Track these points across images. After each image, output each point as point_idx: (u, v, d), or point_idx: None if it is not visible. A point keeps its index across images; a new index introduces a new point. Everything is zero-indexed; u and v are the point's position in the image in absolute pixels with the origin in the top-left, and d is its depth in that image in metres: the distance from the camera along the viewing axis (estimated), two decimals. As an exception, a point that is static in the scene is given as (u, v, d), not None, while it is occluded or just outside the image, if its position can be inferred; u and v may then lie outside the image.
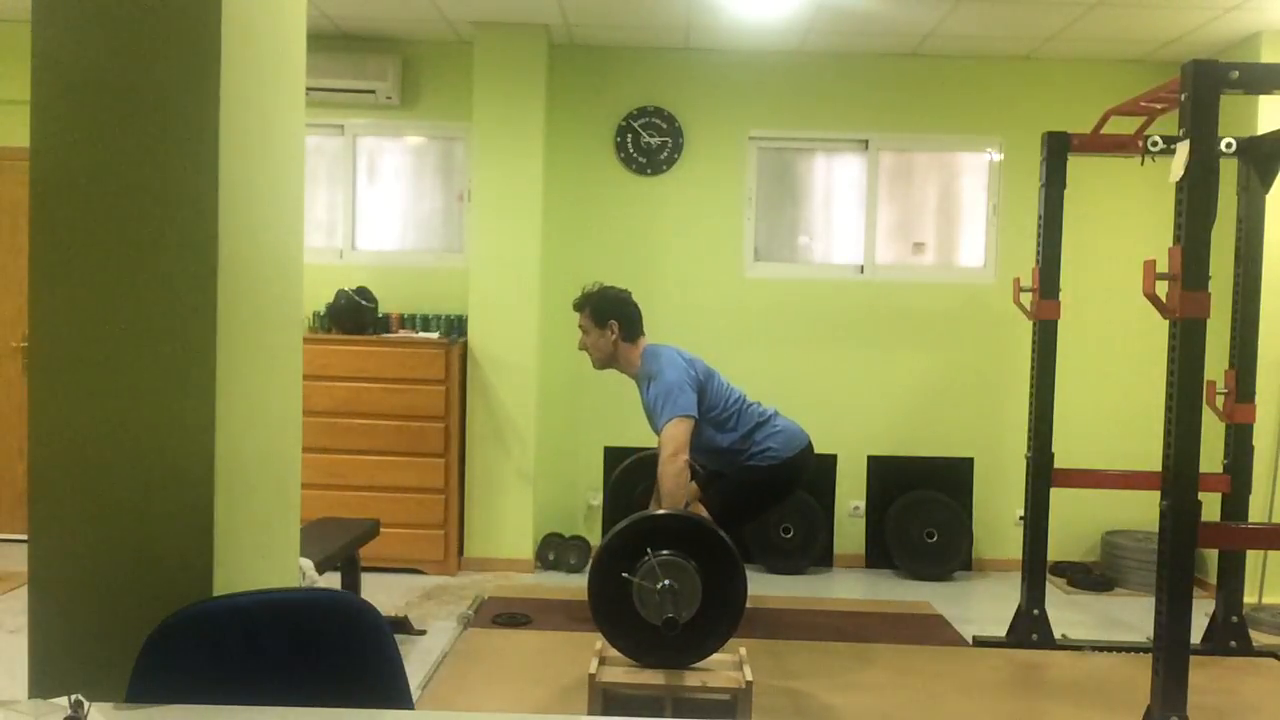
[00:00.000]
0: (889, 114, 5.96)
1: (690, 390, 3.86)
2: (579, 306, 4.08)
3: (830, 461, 5.95)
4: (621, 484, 4.53)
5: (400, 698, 1.80)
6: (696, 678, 3.20)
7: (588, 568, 5.56)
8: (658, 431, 3.83)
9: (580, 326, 4.10)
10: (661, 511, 3.54)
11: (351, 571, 4.46)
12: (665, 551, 3.21)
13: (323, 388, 5.35)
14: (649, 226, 5.99)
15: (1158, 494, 3.39)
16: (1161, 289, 3.32)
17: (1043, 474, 4.62)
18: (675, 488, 3.70)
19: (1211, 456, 4.14)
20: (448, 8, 5.33)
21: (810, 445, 4.14)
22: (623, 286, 4.15)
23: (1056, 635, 4.63)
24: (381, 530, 4.75)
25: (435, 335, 5.66)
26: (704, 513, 3.85)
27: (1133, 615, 5.11)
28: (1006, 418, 5.91)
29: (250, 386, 2.08)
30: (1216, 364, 4.10)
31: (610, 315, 4.01)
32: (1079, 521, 5.89)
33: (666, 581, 3.16)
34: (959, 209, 6.11)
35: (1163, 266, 3.31)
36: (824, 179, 6.15)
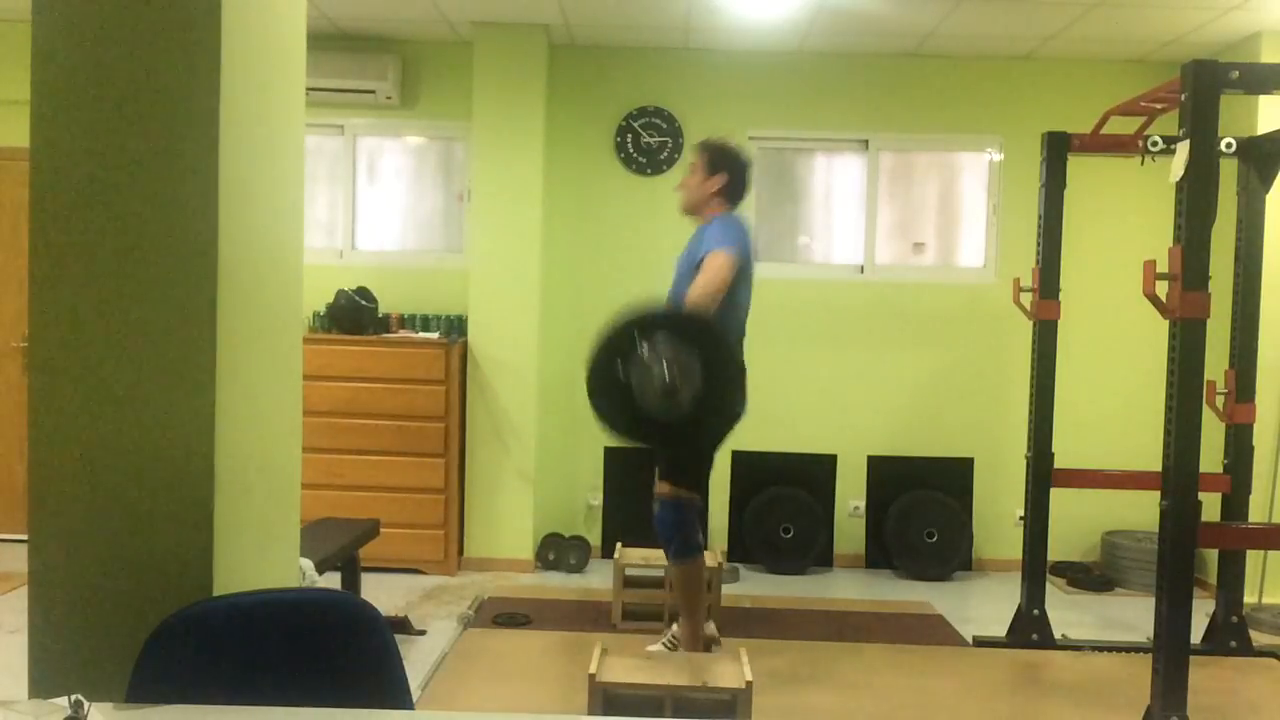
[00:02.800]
0: (889, 114, 5.96)
1: (743, 253, 3.84)
2: (702, 147, 4.07)
3: (830, 461, 5.95)
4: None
5: (400, 698, 1.80)
6: (697, 677, 3.20)
7: (590, 568, 5.63)
8: (689, 270, 3.81)
9: (690, 164, 4.08)
10: (650, 308, 3.44)
11: (351, 571, 4.46)
12: (661, 341, 3.17)
13: (323, 388, 5.35)
14: (649, 226, 5.98)
15: (1158, 494, 3.39)
16: (1161, 289, 3.32)
17: (1043, 474, 4.61)
18: (701, 305, 3.64)
19: (1211, 456, 4.14)
20: (448, 8, 5.33)
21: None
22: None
23: (1056, 635, 4.63)
24: (381, 530, 4.75)
25: (435, 335, 5.66)
26: (664, 488, 3.85)
27: (1133, 615, 5.11)
28: (1006, 418, 5.92)
29: (250, 386, 2.08)
30: (1216, 364, 4.10)
31: (723, 167, 3.98)
32: (1079, 521, 5.89)
33: (664, 362, 3.13)
34: (959, 209, 6.11)
35: (1163, 266, 3.31)
36: (824, 179, 6.15)
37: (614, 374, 3.21)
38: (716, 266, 3.71)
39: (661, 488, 3.92)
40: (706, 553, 4.81)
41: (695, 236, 4.03)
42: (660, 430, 3.25)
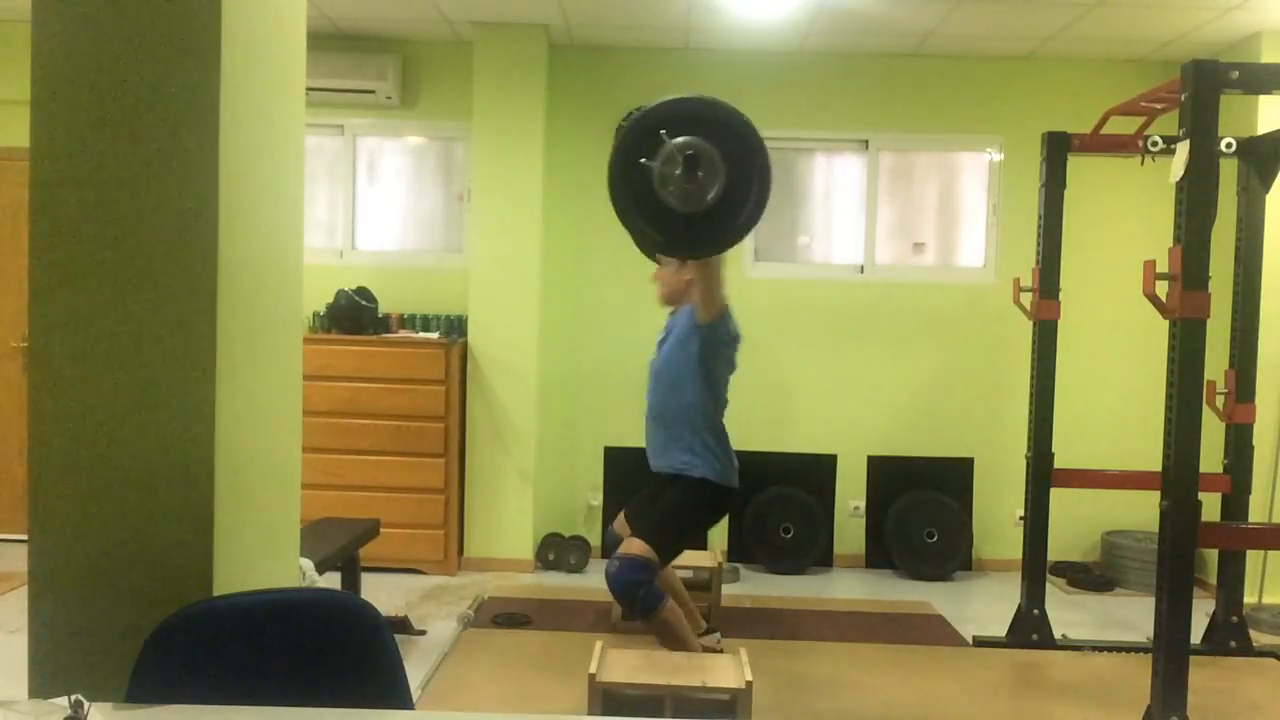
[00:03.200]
0: (889, 114, 5.96)
1: (732, 323, 3.79)
2: (655, 252, 3.98)
3: (830, 461, 5.95)
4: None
5: (400, 698, 1.80)
6: (696, 677, 3.20)
7: (590, 569, 5.63)
8: (679, 345, 3.78)
9: (658, 259, 4.02)
10: (672, 97, 3.31)
11: (351, 571, 4.46)
12: (682, 137, 3.06)
13: (323, 388, 5.35)
14: (649, 226, 5.97)
15: (1158, 494, 3.39)
16: (1161, 289, 3.32)
17: (1043, 474, 4.61)
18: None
19: (1211, 456, 4.14)
20: (448, 8, 5.33)
21: (735, 489, 3.98)
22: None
23: (1056, 635, 4.64)
24: (381, 530, 4.75)
25: (435, 335, 5.66)
26: (638, 546, 3.71)
27: (1133, 615, 5.11)
28: (1006, 418, 5.92)
29: (250, 386, 2.08)
30: (1216, 364, 4.10)
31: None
32: (1079, 521, 5.89)
33: (685, 156, 3.02)
34: (959, 209, 6.11)
35: (1163, 266, 3.31)
36: (824, 179, 6.15)
37: (637, 159, 3.08)
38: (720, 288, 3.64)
39: (633, 546, 3.73)
40: (706, 552, 4.83)
41: (674, 318, 3.98)
42: (679, 222, 3.10)
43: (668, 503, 3.87)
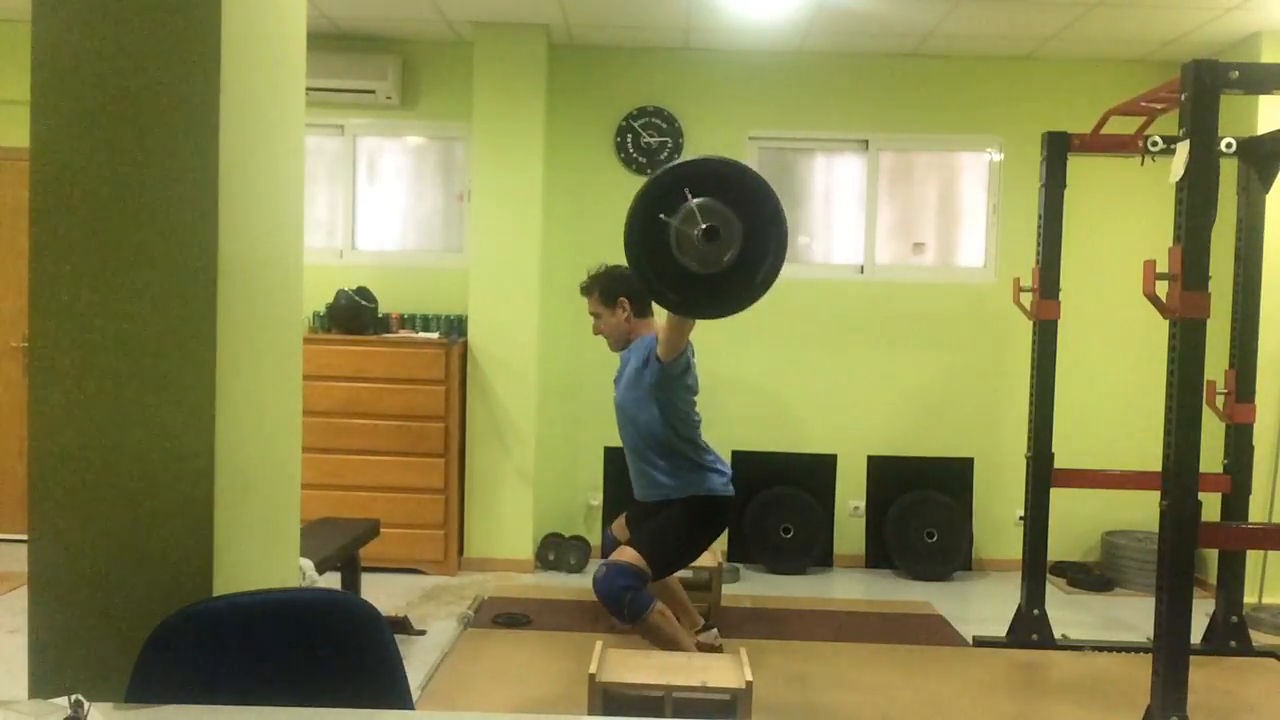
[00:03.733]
0: (889, 114, 5.96)
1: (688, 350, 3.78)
2: (586, 290, 4.03)
3: (830, 461, 5.95)
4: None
5: (400, 698, 1.80)
6: (696, 677, 3.20)
7: (590, 569, 5.62)
8: (639, 373, 3.77)
9: (591, 312, 4.03)
10: (699, 157, 3.28)
11: (351, 571, 4.46)
12: (703, 197, 3.03)
13: (323, 388, 5.35)
14: (649, 226, 5.97)
15: (1158, 494, 3.39)
16: (1161, 289, 3.32)
17: (1043, 474, 4.61)
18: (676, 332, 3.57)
19: (1211, 456, 4.14)
20: (448, 8, 5.33)
21: (726, 498, 3.95)
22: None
23: (1056, 635, 4.64)
24: (381, 530, 4.75)
25: (435, 335, 5.66)
26: (630, 554, 3.70)
27: (1133, 615, 5.11)
28: (1006, 418, 5.92)
29: (250, 386, 2.08)
30: (1216, 364, 4.10)
31: (619, 293, 3.93)
32: (1079, 521, 5.89)
33: (704, 226, 2.99)
34: (959, 209, 6.11)
35: (1163, 266, 3.31)
36: (824, 179, 6.15)
37: (658, 214, 3.06)
38: (664, 324, 3.63)
39: (625, 554, 3.72)
40: (706, 552, 4.82)
41: (627, 357, 3.96)
42: (694, 281, 3.08)
43: (663, 521, 3.85)
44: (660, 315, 3.69)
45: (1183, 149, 3.28)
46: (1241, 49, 5.38)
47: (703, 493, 3.83)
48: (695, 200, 3.02)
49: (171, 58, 1.87)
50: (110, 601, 1.89)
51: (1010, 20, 5.23)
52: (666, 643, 3.74)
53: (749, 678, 3.17)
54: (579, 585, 5.46)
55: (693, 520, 3.85)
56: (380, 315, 5.74)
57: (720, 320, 5.94)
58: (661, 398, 3.79)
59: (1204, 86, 3.25)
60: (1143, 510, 5.71)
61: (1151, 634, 3.43)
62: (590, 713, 3.22)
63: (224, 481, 1.94)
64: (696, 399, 3.93)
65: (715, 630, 4.33)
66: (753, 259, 3.06)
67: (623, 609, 3.68)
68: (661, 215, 3.04)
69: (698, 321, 3.92)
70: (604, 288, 3.97)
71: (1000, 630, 4.70)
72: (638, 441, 3.90)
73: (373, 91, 5.74)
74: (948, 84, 5.94)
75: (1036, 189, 4.70)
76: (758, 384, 5.97)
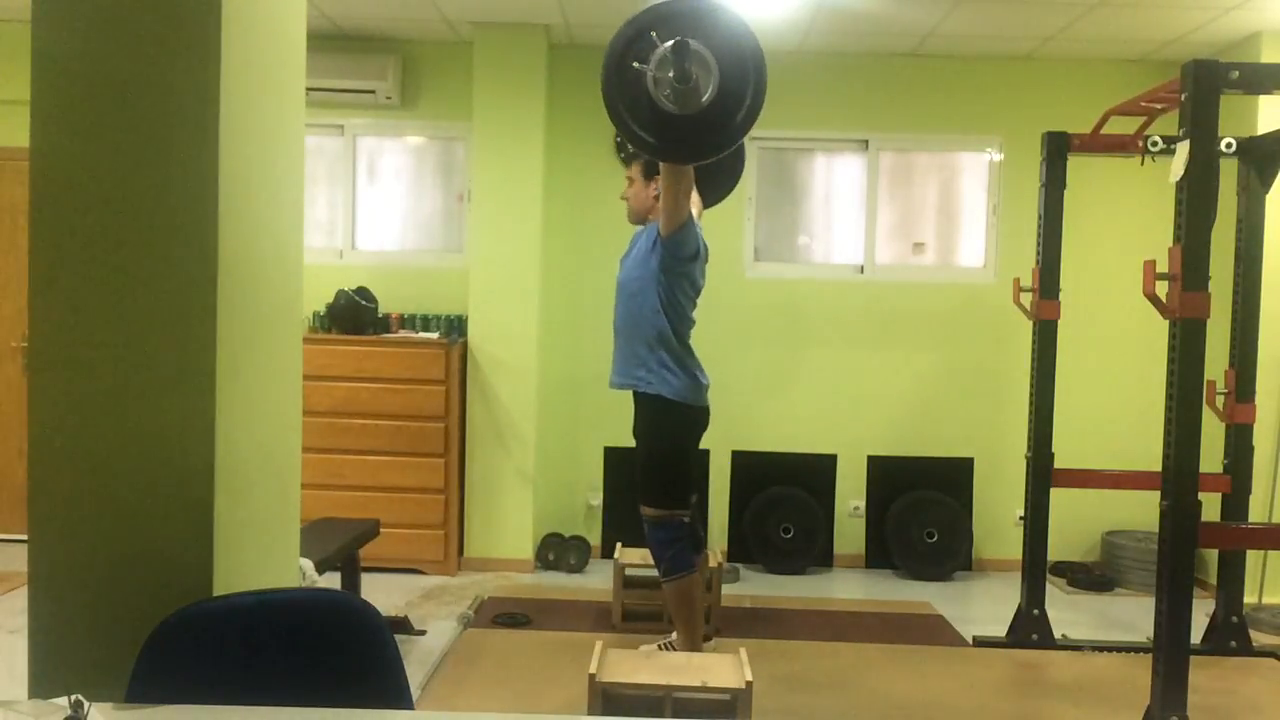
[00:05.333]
0: (889, 114, 5.96)
1: (699, 239, 3.78)
2: (632, 158, 4.04)
3: (830, 461, 5.95)
4: None
5: (400, 698, 1.80)
6: (696, 677, 3.20)
7: (590, 568, 5.63)
8: (646, 257, 3.79)
9: (628, 177, 4.05)
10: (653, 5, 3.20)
11: (351, 571, 4.46)
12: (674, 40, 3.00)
13: (323, 388, 5.35)
14: (649, 226, 5.98)
15: (1158, 494, 3.39)
16: (1161, 289, 3.32)
17: (1043, 474, 4.61)
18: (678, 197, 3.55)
19: (1211, 456, 4.14)
20: (448, 8, 5.33)
21: (704, 409, 3.94)
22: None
23: (1056, 635, 4.63)
24: (381, 530, 4.75)
25: (435, 335, 5.66)
26: (645, 511, 3.83)
27: (1133, 615, 5.11)
28: (1006, 418, 5.92)
29: (250, 386, 2.08)
30: (1216, 364, 4.10)
31: (658, 170, 3.87)
32: (1079, 521, 5.89)
33: (682, 65, 2.95)
34: (959, 209, 6.11)
35: (1163, 266, 3.31)
36: (824, 179, 6.15)
37: (629, 64, 3.03)
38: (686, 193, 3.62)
39: (644, 510, 3.88)
40: (707, 552, 4.82)
41: (638, 234, 3.99)
42: (674, 124, 3.05)
43: (639, 450, 3.92)
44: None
45: (1183, 149, 3.28)
46: (1241, 49, 5.38)
47: (673, 396, 3.81)
48: (667, 44, 2.96)
49: (171, 58, 1.87)
50: (110, 601, 1.89)
51: (1010, 20, 5.23)
52: (683, 613, 3.86)
53: (749, 678, 3.17)
54: (579, 585, 5.46)
55: (666, 425, 3.85)
56: (380, 315, 5.74)
57: (719, 320, 5.93)
58: (663, 286, 3.79)
59: (1204, 86, 3.25)
60: (1143, 510, 5.71)
61: (1151, 634, 3.43)
62: (590, 713, 3.22)
63: (224, 481, 1.94)
64: (696, 301, 3.93)
65: (713, 642, 4.33)
66: (732, 97, 3.02)
67: (660, 563, 3.87)
68: (635, 64, 3.00)
69: (699, 306, 3.94)
70: (649, 161, 3.95)
71: (1000, 630, 4.70)
72: (629, 324, 3.90)
73: (373, 91, 5.74)
74: (948, 84, 5.94)
75: (1036, 189, 4.70)
76: (757, 384, 5.97)
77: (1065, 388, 4.97)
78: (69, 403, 1.88)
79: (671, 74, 2.96)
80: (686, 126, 3.07)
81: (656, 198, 3.89)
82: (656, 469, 3.90)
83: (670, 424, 3.87)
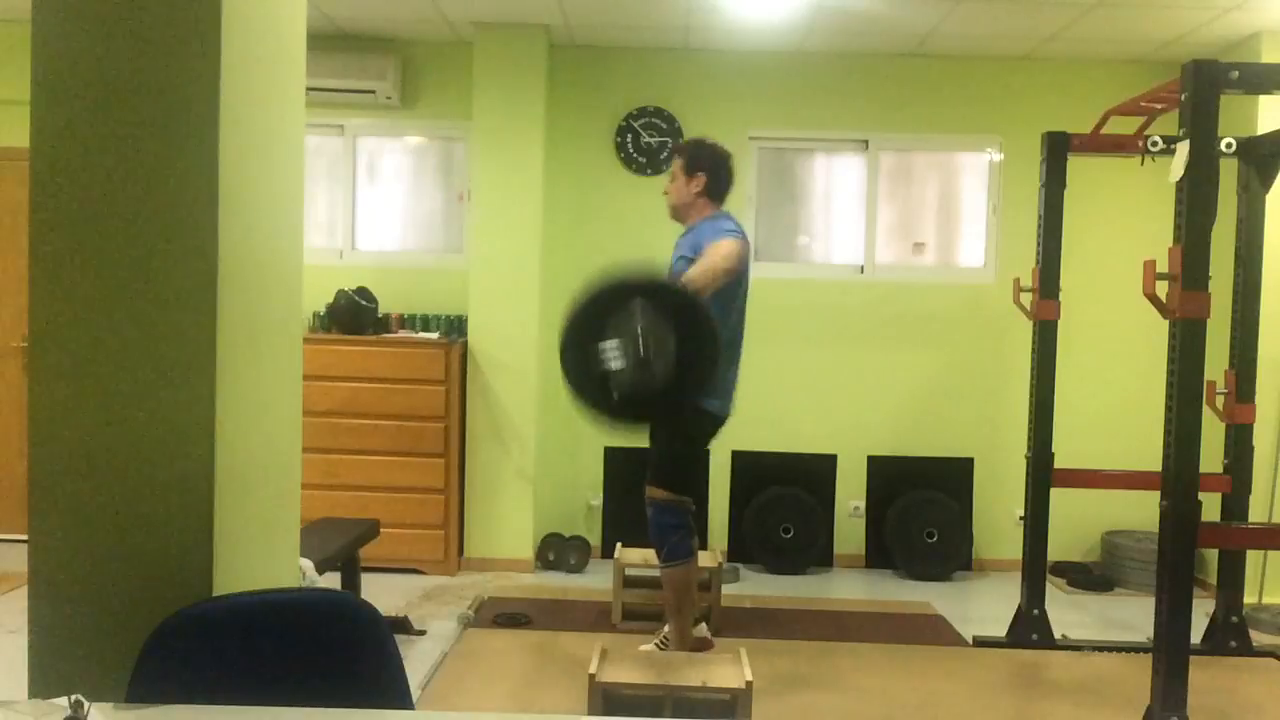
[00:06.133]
0: (889, 114, 5.96)
1: (746, 248, 3.79)
2: (676, 151, 4.11)
3: (830, 461, 5.95)
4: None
5: (400, 698, 1.80)
6: (697, 677, 3.20)
7: (590, 568, 5.63)
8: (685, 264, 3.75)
9: (670, 172, 4.07)
10: (617, 277, 3.26)
11: (351, 571, 4.46)
12: (638, 310, 3.08)
13: (323, 388, 5.35)
14: (649, 226, 5.97)
15: (1158, 494, 3.39)
16: (1161, 289, 3.32)
17: (1043, 474, 4.61)
18: (706, 284, 3.52)
19: (1211, 456, 4.14)
20: (448, 8, 5.33)
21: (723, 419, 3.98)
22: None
23: (1056, 635, 4.63)
24: (381, 530, 4.75)
25: (435, 335, 5.66)
26: (657, 492, 3.90)
27: (1133, 615, 5.11)
28: (1006, 418, 5.92)
29: (250, 386, 2.08)
30: (1216, 364, 4.10)
31: (701, 167, 3.97)
32: (1079, 521, 5.89)
33: (640, 331, 3.03)
34: (959, 209, 6.11)
35: (1163, 266, 3.31)
36: (824, 179, 6.15)
37: (586, 339, 3.09)
38: (723, 253, 3.65)
39: (653, 492, 3.93)
40: (706, 552, 4.82)
41: (686, 238, 4.00)
42: (629, 405, 3.14)
43: (660, 435, 3.94)
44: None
45: (1183, 149, 3.28)
46: (1241, 49, 5.38)
47: (701, 404, 3.82)
48: (626, 314, 3.06)
49: (171, 58, 1.87)
50: (110, 601, 1.89)
51: (1010, 20, 5.23)
52: (677, 601, 3.92)
53: (749, 678, 3.17)
54: (579, 585, 5.46)
55: (691, 425, 3.90)
56: (380, 315, 5.73)
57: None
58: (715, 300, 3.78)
59: (1204, 86, 3.25)
60: (1143, 510, 5.70)
61: (1151, 634, 3.43)
62: (590, 713, 3.22)
63: (224, 481, 1.94)
64: (740, 325, 3.94)
65: (704, 624, 4.35)
66: (683, 383, 3.12)
67: (661, 548, 3.91)
68: (593, 328, 3.09)
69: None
70: (691, 154, 4.02)
71: (1000, 630, 4.70)
72: None
73: (373, 91, 5.74)
74: (948, 84, 5.94)
75: (1036, 189, 4.70)
76: (758, 384, 5.96)
77: (1065, 388, 4.97)
78: (69, 402, 1.88)
79: (626, 348, 3.06)
80: (636, 398, 3.13)
81: (698, 193, 3.96)
82: (677, 457, 3.97)
83: (702, 424, 3.94)
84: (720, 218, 3.97)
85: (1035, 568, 4.63)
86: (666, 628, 4.18)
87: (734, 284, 3.82)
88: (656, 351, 3.03)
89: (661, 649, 4.07)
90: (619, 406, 3.13)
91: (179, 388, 1.89)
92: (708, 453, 4.33)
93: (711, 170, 3.99)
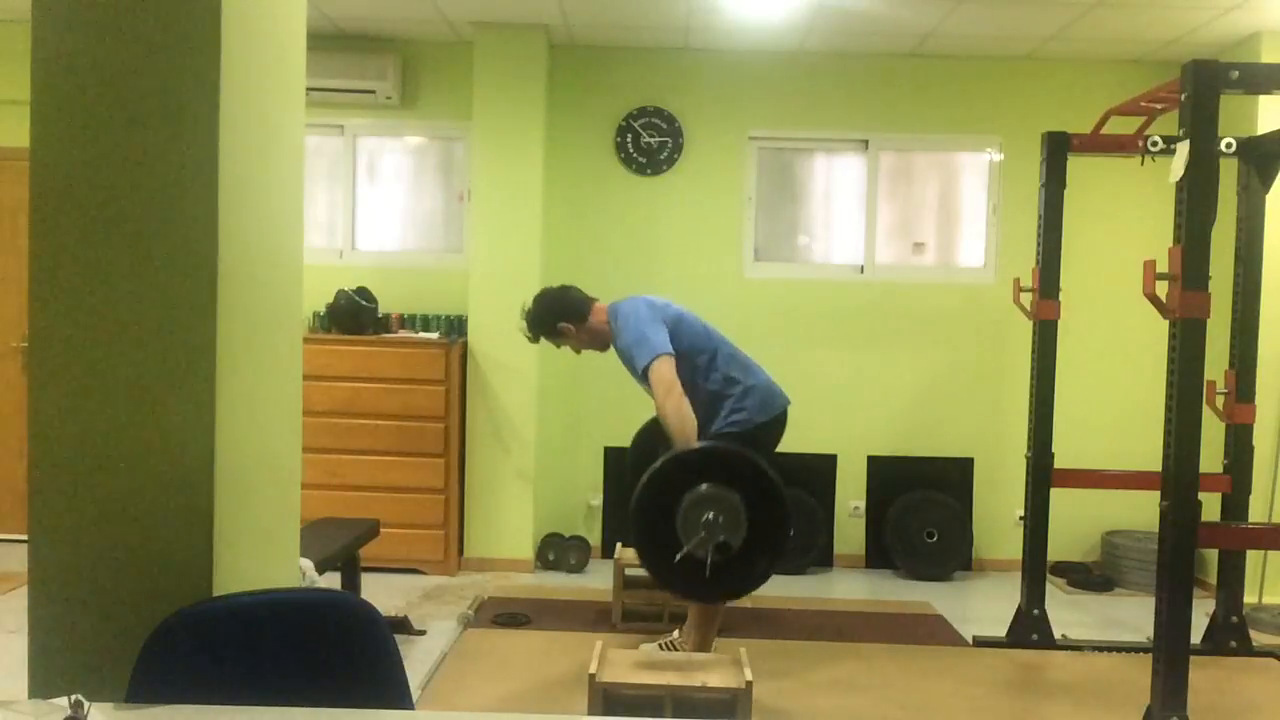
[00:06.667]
0: (889, 114, 5.96)
1: (660, 327, 3.77)
2: (535, 338, 4.09)
3: (830, 461, 5.95)
4: (643, 442, 4.38)
5: (400, 698, 1.80)
6: (696, 677, 3.20)
7: (589, 568, 5.63)
8: (643, 382, 3.78)
9: (557, 342, 4.08)
10: (694, 446, 3.46)
11: (351, 571, 4.46)
12: (704, 485, 3.23)
13: (323, 388, 5.35)
14: (649, 227, 5.99)
15: (1158, 494, 3.39)
16: (1161, 289, 3.32)
17: (1043, 474, 4.61)
18: (682, 423, 3.58)
19: (1211, 456, 4.14)
20: (448, 8, 5.33)
21: (785, 411, 4.00)
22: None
23: (1056, 635, 4.63)
24: (381, 530, 4.75)
25: (435, 335, 5.66)
26: None
27: (1133, 615, 5.11)
28: (1006, 418, 5.92)
29: (250, 386, 2.08)
30: (1216, 364, 4.10)
31: (555, 320, 3.98)
32: (1079, 521, 5.89)
33: (710, 514, 3.19)
34: (959, 209, 6.11)
35: (1163, 266, 3.31)
36: (824, 179, 6.15)
37: (661, 533, 3.28)
38: (656, 379, 3.67)
39: None
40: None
41: (618, 350, 3.99)
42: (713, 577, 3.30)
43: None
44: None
45: (1183, 149, 3.28)
46: (1241, 49, 5.38)
47: (732, 429, 3.88)
48: (696, 493, 3.26)
49: (171, 58, 1.87)
50: (110, 601, 1.89)
51: (1010, 20, 5.23)
52: (702, 618, 3.94)
53: (749, 678, 3.16)
54: (579, 585, 5.46)
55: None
56: (380, 315, 5.73)
57: (719, 321, 5.96)
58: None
59: (1204, 86, 3.25)
60: (1143, 510, 5.71)
61: (1151, 634, 3.43)
62: (590, 713, 3.22)
63: (224, 481, 1.94)
64: (706, 353, 3.92)
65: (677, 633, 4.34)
66: (755, 546, 3.29)
67: None
68: (682, 552, 3.26)
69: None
70: (542, 327, 4.02)
71: (1000, 630, 4.70)
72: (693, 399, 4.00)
73: (373, 91, 5.74)
74: (948, 84, 5.94)
75: (1036, 189, 4.70)
76: (758, 384, 5.96)
77: (1065, 388, 4.97)
78: (69, 403, 1.88)
79: (702, 525, 3.26)
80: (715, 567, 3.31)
81: (579, 331, 3.98)
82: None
83: (753, 444, 3.92)
84: (614, 319, 3.92)
85: (1035, 568, 4.63)
86: (676, 633, 4.19)
87: (687, 351, 3.83)
88: (729, 534, 3.23)
89: (664, 650, 4.07)
90: (707, 581, 3.30)
91: (179, 388, 1.89)
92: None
93: (559, 313, 3.98)
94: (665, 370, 3.65)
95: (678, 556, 3.23)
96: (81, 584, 1.89)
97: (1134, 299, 5.68)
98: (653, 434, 4.11)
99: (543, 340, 4.08)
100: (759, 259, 6.07)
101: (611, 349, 4.01)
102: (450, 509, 5.54)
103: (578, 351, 4.10)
